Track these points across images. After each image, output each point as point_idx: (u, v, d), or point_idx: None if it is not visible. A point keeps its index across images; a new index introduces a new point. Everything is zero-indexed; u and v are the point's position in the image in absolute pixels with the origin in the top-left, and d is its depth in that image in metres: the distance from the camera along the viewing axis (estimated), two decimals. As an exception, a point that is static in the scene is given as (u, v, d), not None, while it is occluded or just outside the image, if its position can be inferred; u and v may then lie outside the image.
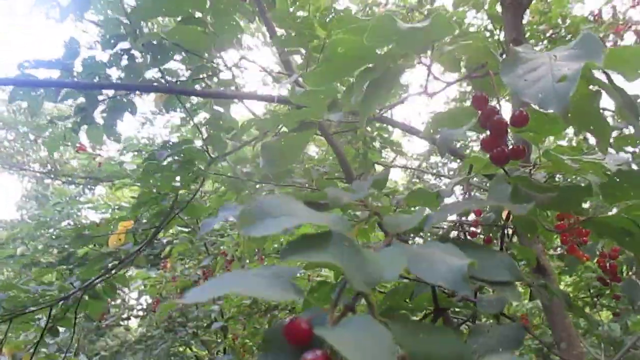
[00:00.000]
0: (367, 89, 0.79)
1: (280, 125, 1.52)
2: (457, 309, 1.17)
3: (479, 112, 0.73)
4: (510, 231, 1.29)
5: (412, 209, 1.34)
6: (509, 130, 0.71)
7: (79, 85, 2.21)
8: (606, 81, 0.69)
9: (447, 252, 0.53)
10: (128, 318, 6.41)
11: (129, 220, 2.66)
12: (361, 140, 2.87)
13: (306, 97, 1.03)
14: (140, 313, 6.35)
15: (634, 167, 0.77)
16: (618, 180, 0.73)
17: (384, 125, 2.97)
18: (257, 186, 2.42)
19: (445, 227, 1.64)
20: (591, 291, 4.11)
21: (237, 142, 2.53)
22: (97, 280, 2.25)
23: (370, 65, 0.80)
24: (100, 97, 2.33)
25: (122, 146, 3.83)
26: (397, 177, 9.73)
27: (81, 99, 2.35)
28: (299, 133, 1.25)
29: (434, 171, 8.64)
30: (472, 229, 1.34)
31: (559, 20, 3.99)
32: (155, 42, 2.11)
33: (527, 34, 3.83)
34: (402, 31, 0.69)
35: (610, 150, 1.04)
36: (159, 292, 4.92)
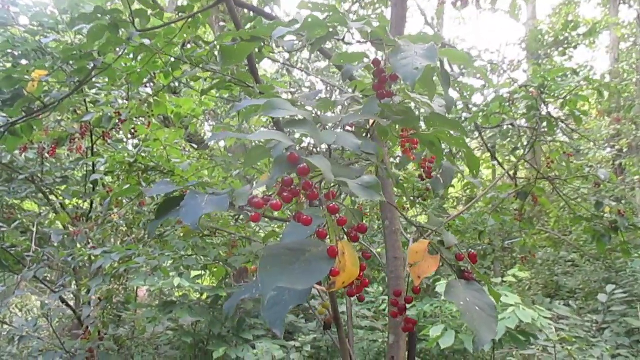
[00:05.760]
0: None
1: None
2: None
3: (374, 67, 1.36)
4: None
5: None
6: (387, 80, 1.36)
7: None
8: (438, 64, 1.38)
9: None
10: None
11: (45, 70, 2.91)
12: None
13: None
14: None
15: (441, 111, 1.47)
16: (432, 117, 1.45)
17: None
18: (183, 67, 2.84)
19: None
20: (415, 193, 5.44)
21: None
22: (20, 120, 2.57)
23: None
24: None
25: None
26: (269, 68, 10.33)
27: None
28: (248, 42, 1.78)
29: (303, 67, 9.61)
30: (348, 127, 2.02)
31: None
32: None
33: None
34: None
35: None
36: (30, 140, 5.00)
